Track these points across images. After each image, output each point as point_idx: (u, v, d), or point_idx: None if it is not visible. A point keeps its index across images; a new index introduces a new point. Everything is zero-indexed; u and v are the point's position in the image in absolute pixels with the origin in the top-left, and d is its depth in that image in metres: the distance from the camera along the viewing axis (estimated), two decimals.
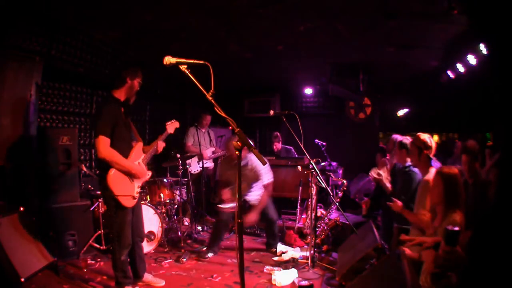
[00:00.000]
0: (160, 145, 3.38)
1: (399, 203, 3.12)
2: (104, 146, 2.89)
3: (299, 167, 4.62)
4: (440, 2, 3.31)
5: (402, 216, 3.15)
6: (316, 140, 5.95)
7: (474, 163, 3.15)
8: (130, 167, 3.04)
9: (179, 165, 4.84)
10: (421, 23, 3.89)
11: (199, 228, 5.32)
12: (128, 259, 3.22)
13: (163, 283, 3.40)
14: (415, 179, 3.43)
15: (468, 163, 3.26)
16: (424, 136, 3.20)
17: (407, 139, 3.69)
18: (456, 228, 2.14)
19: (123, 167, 2.99)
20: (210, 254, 4.23)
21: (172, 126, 3.56)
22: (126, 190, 3.02)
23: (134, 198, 3.08)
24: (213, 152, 5.96)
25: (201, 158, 5.51)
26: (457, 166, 3.98)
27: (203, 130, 5.97)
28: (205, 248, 4.34)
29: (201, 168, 5.59)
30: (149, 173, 3.31)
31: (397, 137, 4.11)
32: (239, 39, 4.72)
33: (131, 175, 3.08)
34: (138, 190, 3.17)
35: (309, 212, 4.55)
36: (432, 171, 2.98)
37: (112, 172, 2.95)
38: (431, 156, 3.19)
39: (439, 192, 2.60)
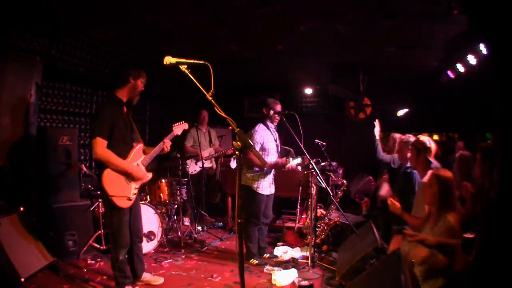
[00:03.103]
0: (167, 144, 3.30)
1: (398, 205, 3.08)
2: (100, 147, 2.89)
3: (299, 167, 4.61)
4: (440, 2, 3.31)
5: (400, 217, 3.13)
6: (316, 140, 5.93)
7: (487, 164, 2.97)
8: (126, 168, 3.01)
9: (179, 165, 4.85)
10: (421, 23, 3.89)
11: (199, 228, 5.32)
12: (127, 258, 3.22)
13: (161, 280, 3.41)
14: (415, 181, 3.42)
15: (481, 163, 3.05)
16: (424, 138, 3.21)
17: (410, 138, 3.69)
18: (471, 236, 2.16)
19: (119, 168, 2.97)
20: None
21: (179, 127, 3.48)
22: (121, 191, 2.99)
23: (129, 199, 3.04)
24: (210, 153, 5.91)
25: (197, 159, 5.50)
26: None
27: (204, 130, 5.95)
28: (204, 248, 4.31)
29: (200, 168, 5.58)
30: (149, 175, 3.24)
31: (397, 135, 4.10)
32: (239, 39, 4.72)
33: (128, 176, 3.05)
34: (135, 191, 3.13)
35: (309, 212, 4.55)
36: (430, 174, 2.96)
37: (106, 172, 2.94)
38: (430, 158, 3.17)
39: (433, 193, 2.62)
